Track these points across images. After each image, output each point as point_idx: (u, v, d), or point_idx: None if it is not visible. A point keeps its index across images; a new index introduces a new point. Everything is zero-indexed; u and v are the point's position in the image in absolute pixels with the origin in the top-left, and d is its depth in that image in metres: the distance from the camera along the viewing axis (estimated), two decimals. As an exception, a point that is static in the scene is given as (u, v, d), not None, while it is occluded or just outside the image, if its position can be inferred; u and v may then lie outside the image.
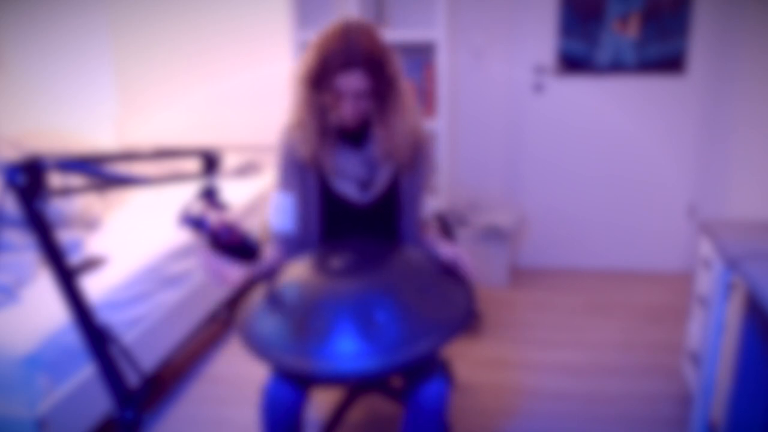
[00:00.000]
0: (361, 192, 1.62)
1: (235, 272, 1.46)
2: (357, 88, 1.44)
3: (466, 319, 1.34)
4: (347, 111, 1.49)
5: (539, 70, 3.14)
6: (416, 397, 1.43)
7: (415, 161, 1.64)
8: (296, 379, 1.44)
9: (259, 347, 1.31)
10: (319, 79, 1.47)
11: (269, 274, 1.57)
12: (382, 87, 1.48)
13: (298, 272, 1.45)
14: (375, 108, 1.53)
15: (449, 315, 1.33)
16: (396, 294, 1.32)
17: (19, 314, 1.76)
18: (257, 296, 1.48)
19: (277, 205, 1.63)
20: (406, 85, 1.57)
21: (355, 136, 1.60)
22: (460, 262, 1.51)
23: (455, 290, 1.42)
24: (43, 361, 1.64)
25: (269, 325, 1.34)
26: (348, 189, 1.62)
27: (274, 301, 1.40)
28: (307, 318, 1.30)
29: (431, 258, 1.54)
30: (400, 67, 1.53)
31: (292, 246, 1.65)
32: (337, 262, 1.46)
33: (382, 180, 1.63)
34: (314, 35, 1.51)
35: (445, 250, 1.56)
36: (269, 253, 1.64)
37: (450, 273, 1.50)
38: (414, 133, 1.60)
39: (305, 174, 1.63)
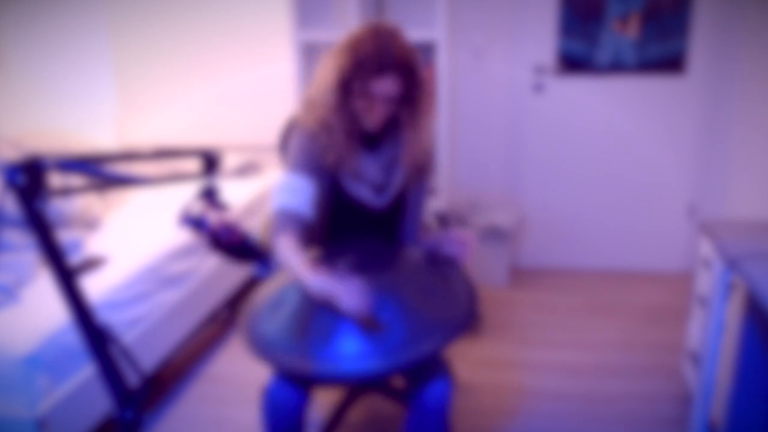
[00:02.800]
0: (376, 196, 1.62)
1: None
2: (390, 92, 1.44)
3: (469, 320, 1.34)
4: (378, 114, 1.48)
5: (539, 70, 3.14)
6: (419, 397, 1.43)
7: (426, 167, 1.65)
8: (299, 380, 1.44)
9: (261, 348, 1.31)
10: (352, 83, 1.44)
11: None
12: (413, 91, 1.48)
13: None
14: (406, 112, 1.52)
15: (452, 315, 1.33)
16: (399, 295, 1.32)
17: (19, 314, 1.76)
18: (259, 297, 1.48)
19: (290, 186, 1.48)
20: (432, 88, 1.56)
21: (371, 139, 1.59)
22: (464, 244, 1.49)
23: (458, 291, 1.42)
24: (43, 361, 1.64)
25: (272, 326, 1.34)
26: (363, 193, 1.60)
27: (277, 301, 1.40)
28: (309, 319, 1.29)
29: (432, 256, 1.54)
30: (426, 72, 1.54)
31: (302, 230, 1.50)
32: (340, 263, 1.46)
33: (396, 183, 1.63)
34: (341, 38, 1.48)
35: (452, 234, 1.54)
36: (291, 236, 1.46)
37: (446, 262, 1.50)
38: (431, 138, 1.61)
39: (320, 176, 1.56)
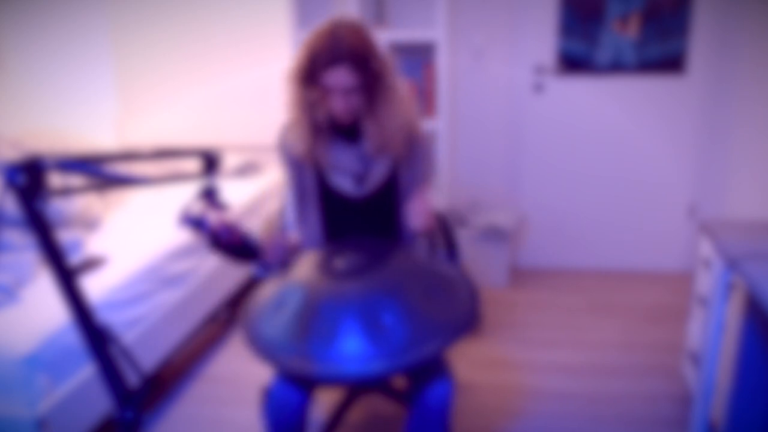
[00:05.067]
0: (357, 186, 1.66)
1: None
2: (344, 83, 1.47)
3: (471, 321, 1.34)
4: (337, 106, 1.52)
5: (539, 70, 3.14)
6: (420, 397, 1.43)
7: (410, 155, 1.66)
8: (301, 380, 1.44)
9: (263, 349, 1.30)
10: (308, 76, 1.50)
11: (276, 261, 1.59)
12: (369, 82, 1.51)
13: (302, 273, 1.45)
14: (365, 103, 1.55)
15: (454, 316, 1.33)
16: (402, 296, 1.32)
17: (19, 314, 1.76)
18: (261, 297, 1.48)
19: (288, 202, 1.69)
20: (399, 81, 1.59)
21: (348, 131, 1.63)
22: (418, 214, 1.53)
23: (460, 292, 1.42)
24: (43, 361, 1.64)
25: (274, 326, 1.33)
26: (343, 183, 1.65)
27: (279, 302, 1.40)
28: (312, 319, 1.29)
29: (434, 257, 1.54)
30: (391, 63, 1.56)
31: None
32: (341, 262, 1.46)
33: (377, 174, 1.65)
34: (306, 35, 1.54)
35: (410, 206, 1.57)
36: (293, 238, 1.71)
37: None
38: (407, 127, 1.62)
39: (302, 170, 1.68)
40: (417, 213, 1.55)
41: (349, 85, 1.48)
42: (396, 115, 1.57)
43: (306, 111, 1.57)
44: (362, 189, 1.66)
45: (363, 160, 1.64)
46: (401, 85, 1.60)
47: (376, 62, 1.50)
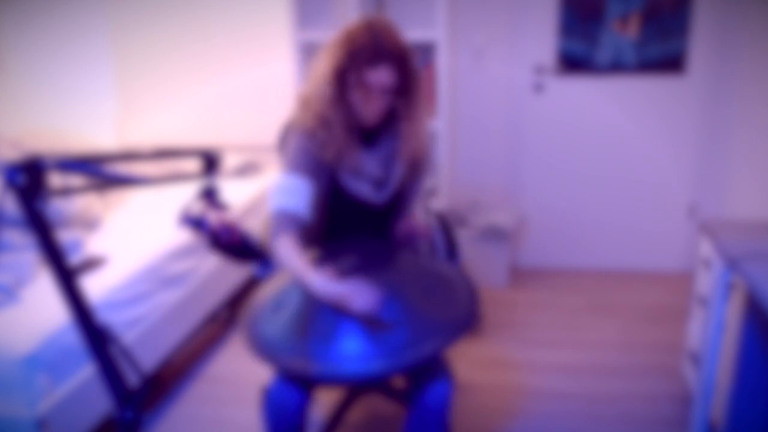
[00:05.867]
0: (376, 192, 1.62)
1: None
2: (385, 82, 1.45)
3: (470, 322, 1.34)
4: (374, 107, 1.49)
5: (539, 70, 3.14)
6: (420, 397, 1.43)
7: (422, 161, 1.66)
8: (300, 380, 1.44)
9: (263, 349, 1.30)
10: (347, 74, 1.46)
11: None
12: (407, 83, 1.49)
13: None
14: (402, 104, 1.53)
15: (454, 317, 1.33)
16: (401, 296, 1.32)
17: (19, 314, 1.76)
18: (260, 297, 1.48)
19: (287, 186, 1.47)
20: (424, 82, 1.58)
21: (368, 135, 1.59)
22: (415, 230, 1.55)
23: (459, 292, 1.42)
24: (43, 361, 1.64)
25: (273, 326, 1.33)
26: (363, 189, 1.60)
27: (278, 302, 1.40)
28: (311, 319, 1.29)
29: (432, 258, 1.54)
30: (418, 68, 1.55)
31: (300, 231, 1.50)
32: (341, 262, 1.46)
33: (395, 179, 1.63)
34: (336, 33, 1.49)
35: (403, 226, 1.60)
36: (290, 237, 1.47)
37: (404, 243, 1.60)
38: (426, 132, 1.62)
39: (318, 174, 1.55)
40: (406, 235, 1.54)
41: (389, 85, 1.45)
42: (426, 116, 1.57)
43: (340, 111, 1.49)
44: (381, 195, 1.63)
45: (383, 165, 1.61)
46: (424, 86, 1.59)
47: (413, 63, 1.49)
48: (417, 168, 1.66)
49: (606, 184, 3.27)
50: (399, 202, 1.67)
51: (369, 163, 1.58)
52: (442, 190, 2.84)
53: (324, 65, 1.49)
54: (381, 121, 1.56)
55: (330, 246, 1.62)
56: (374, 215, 1.64)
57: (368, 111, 1.49)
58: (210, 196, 1.54)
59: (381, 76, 1.44)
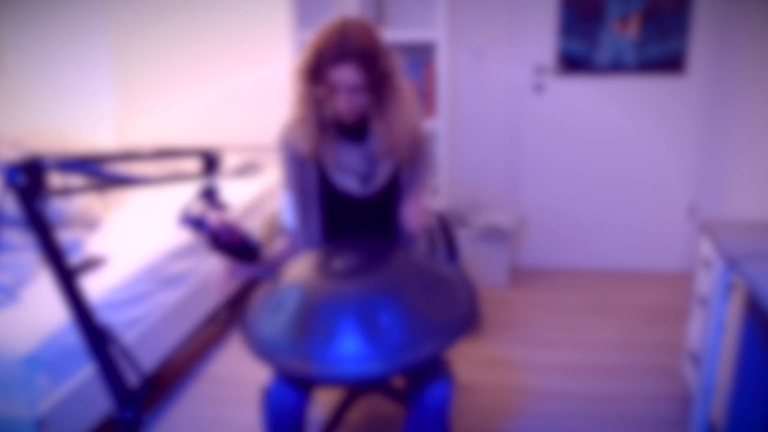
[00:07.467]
0: (362, 185, 1.65)
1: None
2: (350, 81, 1.46)
3: (470, 322, 1.34)
4: (342, 104, 1.51)
5: (539, 70, 3.14)
6: (419, 397, 1.43)
7: (414, 159, 1.66)
8: (299, 381, 1.44)
9: (261, 349, 1.30)
10: (315, 72, 1.50)
11: (275, 266, 1.58)
12: (376, 82, 1.50)
13: (300, 273, 1.45)
14: (373, 103, 1.55)
15: (453, 317, 1.32)
16: (400, 296, 1.32)
17: (19, 314, 1.76)
18: (259, 298, 1.48)
19: (286, 204, 1.67)
20: (405, 84, 1.58)
21: (355, 131, 1.62)
22: (412, 218, 1.58)
23: (458, 292, 1.42)
24: (43, 361, 1.64)
25: (272, 327, 1.33)
26: (349, 182, 1.64)
27: (277, 302, 1.40)
28: (310, 320, 1.29)
29: (434, 258, 1.55)
30: (398, 65, 1.55)
31: (300, 243, 1.70)
32: (339, 263, 1.46)
33: (382, 174, 1.65)
34: (312, 33, 1.54)
35: (404, 211, 1.63)
36: (281, 246, 1.72)
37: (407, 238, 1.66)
38: (413, 131, 1.62)
39: (305, 169, 1.66)
40: (412, 216, 1.56)
41: (354, 83, 1.47)
42: (403, 116, 1.57)
43: (312, 108, 1.56)
44: (367, 189, 1.65)
45: (369, 160, 1.63)
46: (406, 86, 1.59)
47: (383, 62, 1.50)
48: (411, 161, 1.67)
49: (606, 184, 3.27)
50: (394, 194, 1.68)
51: (352, 157, 1.62)
52: (442, 190, 2.84)
53: (296, 62, 1.55)
54: (362, 118, 1.58)
55: (329, 245, 1.63)
56: (363, 207, 1.67)
57: (338, 108, 1.52)
58: (210, 196, 1.54)
59: (345, 75, 1.46)
